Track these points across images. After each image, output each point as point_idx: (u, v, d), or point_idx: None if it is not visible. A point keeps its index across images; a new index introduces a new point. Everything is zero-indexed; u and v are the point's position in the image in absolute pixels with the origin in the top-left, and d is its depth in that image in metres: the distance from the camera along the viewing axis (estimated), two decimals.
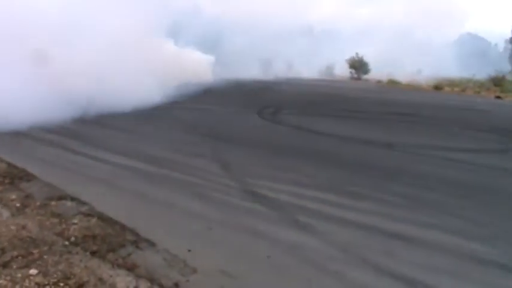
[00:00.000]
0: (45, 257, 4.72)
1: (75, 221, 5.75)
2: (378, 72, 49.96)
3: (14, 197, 6.49)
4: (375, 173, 9.33)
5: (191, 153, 10.15)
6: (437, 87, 40.64)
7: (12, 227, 5.47)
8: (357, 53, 51.89)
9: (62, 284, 4.21)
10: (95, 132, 11.94)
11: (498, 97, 34.30)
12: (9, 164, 8.08)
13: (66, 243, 5.13)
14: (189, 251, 5.09)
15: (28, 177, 7.46)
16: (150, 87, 16.74)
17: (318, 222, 6.24)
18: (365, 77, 51.83)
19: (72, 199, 6.46)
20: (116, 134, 12.14)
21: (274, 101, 21.15)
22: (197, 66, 26.54)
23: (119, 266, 4.65)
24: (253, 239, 5.67)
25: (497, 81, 41.84)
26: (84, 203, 6.33)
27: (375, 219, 6.53)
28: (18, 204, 6.21)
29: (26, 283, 4.18)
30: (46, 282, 4.22)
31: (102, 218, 5.86)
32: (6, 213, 5.92)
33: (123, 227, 5.62)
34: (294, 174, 8.78)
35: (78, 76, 13.67)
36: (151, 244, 5.25)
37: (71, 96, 13.04)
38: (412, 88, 41.03)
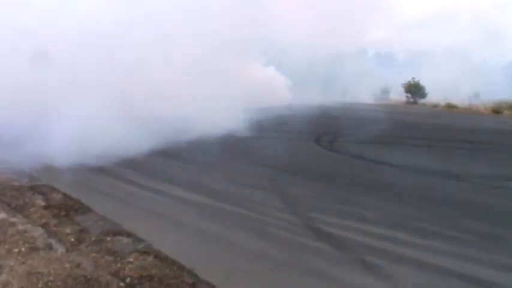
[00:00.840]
0: None
1: (131, 259, 5.49)
2: (434, 96, 48.79)
3: (68, 231, 6.33)
4: (443, 207, 8.70)
5: (250, 185, 9.70)
6: (496, 111, 39.02)
7: (67, 265, 5.26)
8: (413, 77, 50.83)
9: None
10: (155, 161, 11.67)
11: None
12: (64, 195, 7.99)
13: (122, 284, 4.87)
14: None
15: (83, 209, 7.31)
16: (223, 111, 16.08)
17: (386, 263, 5.76)
18: (421, 101, 50.58)
19: (128, 235, 6.21)
20: (177, 164, 11.74)
21: (330, 127, 20.67)
22: (274, 88, 25.90)
23: None
24: (317, 281, 5.23)
25: None
26: (140, 240, 6.07)
27: (447, 260, 5.97)
28: (73, 239, 6.03)
29: None
30: None
31: (159, 256, 5.57)
32: (61, 249, 5.73)
33: (181, 267, 5.32)
34: (357, 208, 8.26)
35: (150, 99, 13.39)
36: (211, 287, 4.91)
37: (142, 122, 12.91)
38: (470, 112, 39.65)
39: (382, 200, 8.97)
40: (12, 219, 6.74)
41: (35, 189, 8.36)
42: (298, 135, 17.94)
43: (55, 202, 7.58)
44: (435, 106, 45.27)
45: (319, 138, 16.89)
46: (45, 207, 7.29)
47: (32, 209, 7.20)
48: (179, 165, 11.65)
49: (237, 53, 17.21)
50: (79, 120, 11.24)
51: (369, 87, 50.34)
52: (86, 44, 13.15)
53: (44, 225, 6.50)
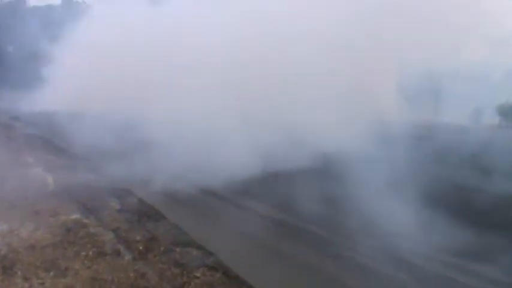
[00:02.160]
0: None
1: (198, 274, 5.19)
2: None
3: (138, 237, 6.15)
4: None
5: (334, 206, 8.40)
6: None
7: (132, 274, 5.04)
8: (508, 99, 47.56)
9: None
10: (252, 176, 10.23)
11: None
12: (140, 200, 7.87)
13: None
14: None
15: (156, 216, 7.14)
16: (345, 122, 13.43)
17: None
18: None
19: (199, 247, 5.93)
20: (272, 180, 10.30)
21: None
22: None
23: None
24: None
25: None
26: (210, 254, 5.76)
27: None
28: (141, 247, 5.83)
29: None
30: None
31: (228, 274, 5.23)
32: (128, 256, 5.54)
33: None
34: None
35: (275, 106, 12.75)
36: None
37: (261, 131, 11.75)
38: None
39: None
40: (85, 221, 6.67)
41: (112, 192, 8.32)
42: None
43: (129, 206, 7.47)
44: None
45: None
46: (119, 211, 7.20)
47: (105, 212, 7.12)
48: (273, 182, 10.21)
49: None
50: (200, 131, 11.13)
51: (459, 108, 47.76)
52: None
53: (115, 230, 6.36)
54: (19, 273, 5.01)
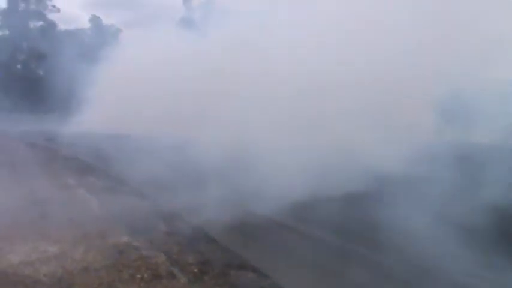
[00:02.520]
0: None
1: None
2: None
3: (191, 260, 6.06)
4: None
5: (392, 230, 7.67)
6: None
7: None
8: None
9: None
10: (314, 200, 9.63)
11: None
12: (188, 223, 7.86)
13: None
14: None
15: (207, 239, 7.08)
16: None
17: None
18: None
19: (254, 270, 5.81)
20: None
21: None
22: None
23: None
24: None
25: None
26: (266, 276, 5.63)
27: None
28: (196, 270, 5.74)
29: None
30: None
31: None
32: (183, 279, 5.48)
33: None
34: None
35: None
36: None
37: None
38: None
39: None
40: (136, 243, 6.64)
41: (159, 215, 8.30)
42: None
43: (178, 229, 7.43)
44: None
45: None
46: (169, 234, 7.16)
47: (154, 234, 7.09)
48: (327, 205, 9.12)
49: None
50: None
51: (491, 123, 46.71)
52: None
53: (167, 252, 6.31)
54: None
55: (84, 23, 64.44)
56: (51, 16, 56.35)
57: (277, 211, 8.67)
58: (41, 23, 56.03)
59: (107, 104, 24.71)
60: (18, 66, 57.31)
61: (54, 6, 55.81)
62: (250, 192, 9.15)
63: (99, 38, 57.29)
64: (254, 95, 13.07)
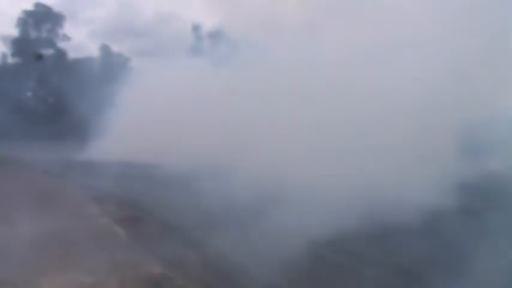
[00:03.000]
0: None
1: None
2: None
3: None
4: None
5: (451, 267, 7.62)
6: None
7: None
8: None
9: None
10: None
11: None
12: (220, 253, 7.84)
13: None
14: None
15: (244, 270, 7.07)
16: None
17: None
18: None
19: None
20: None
21: None
22: None
23: None
24: None
25: None
26: None
27: None
28: None
29: None
30: None
31: None
32: None
33: None
34: None
35: None
36: None
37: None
38: None
39: None
40: (170, 275, 6.70)
41: (188, 244, 8.36)
42: None
43: (211, 260, 7.47)
44: None
45: None
46: (203, 265, 7.20)
47: (188, 266, 7.14)
48: (379, 240, 9.04)
49: None
50: None
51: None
52: None
53: (207, 286, 6.33)
54: None
55: (94, 51, 64.85)
56: (61, 44, 56.99)
57: (326, 244, 8.55)
58: (51, 51, 56.63)
59: (126, 131, 24.86)
60: (29, 94, 57.81)
61: (65, 35, 56.48)
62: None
63: (108, 67, 58.00)
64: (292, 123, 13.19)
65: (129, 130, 24.37)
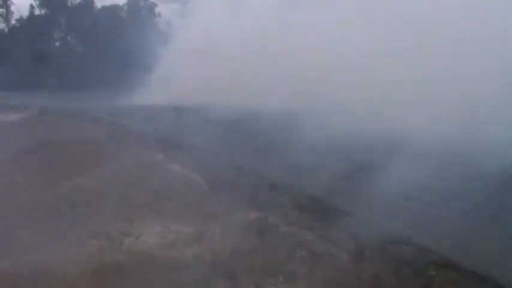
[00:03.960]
0: None
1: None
2: None
3: (343, 236, 5.65)
4: None
5: None
6: None
7: (365, 276, 4.59)
8: None
9: None
10: None
11: None
12: (309, 195, 7.41)
13: None
14: None
15: (337, 211, 6.62)
16: None
17: None
18: None
19: (411, 244, 5.34)
20: None
21: None
22: None
23: None
24: None
25: None
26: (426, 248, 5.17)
27: None
28: (352, 246, 5.35)
29: None
30: None
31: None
32: (344, 256, 5.09)
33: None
34: None
35: None
36: None
37: None
38: None
39: None
40: (271, 220, 6.32)
41: (272, 187, 7.95)
42: None
43: (303, 202, 7.05)
44: None
45: None
46: (297, 208, 6.79)
47: (283, 209, 6.74)
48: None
49: None
50: None
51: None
52: None
53: (310, 228, 5.97)
54: (245, 280, 4.66)
55: None
56: None
57: None
58: (78, 0, 55.83)
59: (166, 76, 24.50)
60: (57, 44, 57.45)
61: None
62: None
63: (137, 14, 57.03)
64: None
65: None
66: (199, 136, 13.19)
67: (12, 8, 55.72)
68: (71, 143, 13.03)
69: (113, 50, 48.74)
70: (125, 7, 58.76)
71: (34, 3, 55.69)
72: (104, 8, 56.70)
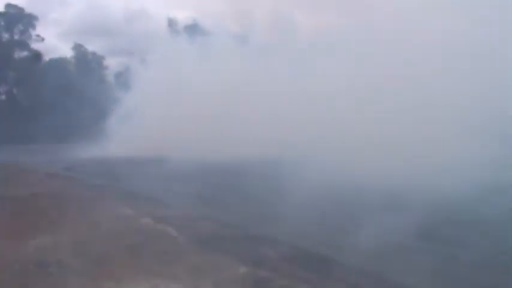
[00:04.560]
0: None
1: None
2: None
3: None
4: None
5: None
6: None
7: None
8: None
9: None
10: None
11: None
12: (290, 246, 7.25)
13: None
14: None
15: (326, 261, 6.50)
16: None
17: None
18: None
19: None
20: None
21: None
22: None
23: None
24: None
25: None
26: None
27: None
28: None
29: None
30: None
31: None
32: None
33: None
34: None
35: None
36: None
37: None
38: None
39: None
40: (263, 274, 6.13)
41: (252, 240, 7.75)
42: None
43: (285, 253, 6.87)
44: None
45: None
46: (282, 259, 6.61)
47: (271, 262, 6.54)
48: None
49: None
50: None
51: None
52: None
53: (307, 281, 5.76)
54: None
55: (67, 51, 63.11)
56: (35, 46, 55.05)
57: None
58: (25, 53, 54.70)
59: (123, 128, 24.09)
60: (3, 97, 55.83)
61: (38, 36, 54.52)
62: None
63: (83, 66, 56.47)
64: None
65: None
66: (164, 189, 12.90)
67: None
68: (31, 198, 12.41)
69: (62, 103, 47.69)
70: (73, 60, 58.07)
71: None
72: (52, 60, 55.82)
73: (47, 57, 56.51)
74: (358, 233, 7.61)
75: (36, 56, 53.93)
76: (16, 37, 53.55)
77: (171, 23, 53.76)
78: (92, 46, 64.08)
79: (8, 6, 51.89)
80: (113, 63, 58.87)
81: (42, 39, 54.68)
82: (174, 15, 58.05)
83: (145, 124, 23.10)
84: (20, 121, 50.01)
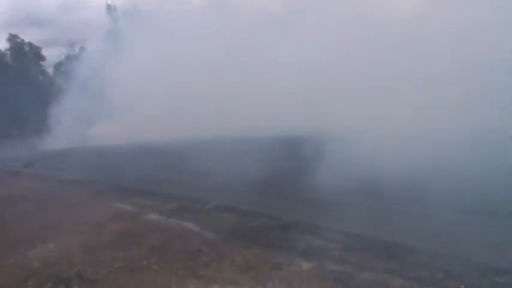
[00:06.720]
0: None
1: None
2: None
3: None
4: None
5: None
6: None
7: None
8: None
9: None
10: None
11: None
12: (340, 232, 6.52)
13: None
14: None
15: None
16: None
17: None
18: None
19: None
20: None
21: None
22: None
23: None
24: None
25: None
26: None
27: None
28: None
29: None
30: None
31: None
32: None
33: None
34: None
35: None
36: None
37: None
38: None
39: None
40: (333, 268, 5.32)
41: (279, 228, 6.95)
42: None
43: (336, 243, 6.14)
44: None
45: None
46: (344, 249, 5.86)
47: (333, 253, 5.77)
48: None
49: None
50: None
51: None
52: None
53: (388, 270, 5.02)
54: None
55: (1, 43, 59.16)
56: None
57: None
58: None
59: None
60: None
61: None
62: None
63: (20, 58, 53.17)
64: None
65: None
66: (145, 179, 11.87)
67: None
68: (7, 201, 11.02)
69: (1, 97, 44.55)
70: (8, 52, 54.40)
71: None
72: None
73: None
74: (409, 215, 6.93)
75: None
76: None
77: (110, 9, 51.02)
78: (27, 37, 60.36)
79: None
80: (51, 54, 55.60)
81: None
82: (112, 1, 54.82)
83: (92, 114, 21.70)
84: None
